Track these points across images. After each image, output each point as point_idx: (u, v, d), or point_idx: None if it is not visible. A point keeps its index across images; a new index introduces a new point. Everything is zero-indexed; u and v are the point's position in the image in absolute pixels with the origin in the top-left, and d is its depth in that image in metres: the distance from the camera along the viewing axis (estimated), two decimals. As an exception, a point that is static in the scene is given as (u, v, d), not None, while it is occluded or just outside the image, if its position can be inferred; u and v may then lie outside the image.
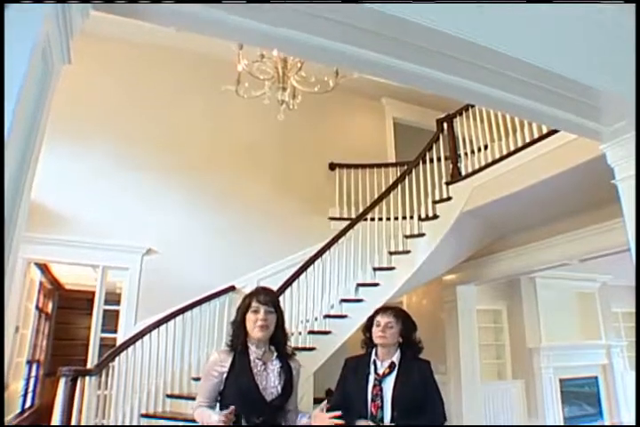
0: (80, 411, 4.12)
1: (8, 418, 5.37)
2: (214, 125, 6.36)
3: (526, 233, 6.13)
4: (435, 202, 5.50)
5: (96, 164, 5.66)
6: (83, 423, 4.15)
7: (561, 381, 8.39)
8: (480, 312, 7.79)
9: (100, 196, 5.62)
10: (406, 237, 5.51)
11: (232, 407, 2.03)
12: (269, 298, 2.29)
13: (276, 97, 4.65)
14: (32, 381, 7.69)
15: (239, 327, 2.26)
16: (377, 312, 2.54)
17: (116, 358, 4.65)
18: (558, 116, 2.58)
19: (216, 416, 2.07)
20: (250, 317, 2.23)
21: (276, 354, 2.29)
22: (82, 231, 5.46)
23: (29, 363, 7.11)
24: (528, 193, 4.70)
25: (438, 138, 5.76)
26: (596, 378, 8.93)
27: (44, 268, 6.70)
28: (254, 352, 2.23)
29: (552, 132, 4.34)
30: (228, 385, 2.17)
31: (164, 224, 5.83)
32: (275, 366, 2.25)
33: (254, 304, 2.24)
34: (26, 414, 7.16)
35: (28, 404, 7.49)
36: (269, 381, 2.19)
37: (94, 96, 5.80)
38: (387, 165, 6.77)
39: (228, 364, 2.19)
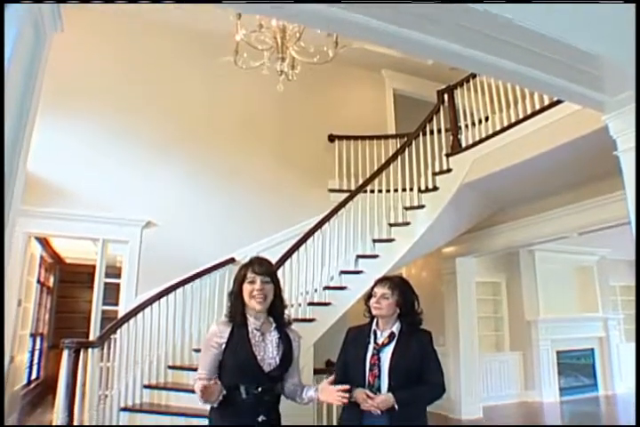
0: (84, 382, 4.17)
1: (15, 388, 5.44)
2: (212, 97, 6.30)
3: (526, 206, 6.13)
4: (435, 174, 5.47)
5: (94, 137, 5.62)
6: (87, 394, 4.20)
7: (558, 353, 8.53)
8: (479, 285, 7.84)
9: (99, 169, 5.60)
10: (406, 208, 5.50)
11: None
12: (265, 268, 2.27)
13: (275, 68, 4.59)
14: (36, 353, 7.81)
15: (236, 298, 2.26)
16: (376, 283, 2.54)
17: (118, 331, 4.69)
18: (562, 86, 2.55)
19: (198, 383, 2.08)
20: (246, 287, 2.22)
21: (274, 325, 2.29)
22: (81, 205, 5.45)
23: (33, 336, 7.19)
24: (529, 165, 4.67)
25: (439, 109, 5.70)
26: (592, 350, 9.08)
27: (44, 242, 6.73)
28: (252, 323, 2.24)
29: (553, 104, 4.30)
30: (227, 356, 2.18)
31: (163, 197, 5.82)
32: (273, 336, 2.25)
33: (250, 275, 2.23)
34: (32, 386, 7.32)
35: (34, 375, 7.62)
36: (267, 351, 2.21)
37: (92, 69, 5.72)
38: (387, 137, 6.72)
39: (226, 335, 2.20)
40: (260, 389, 2.11)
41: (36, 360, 7.79)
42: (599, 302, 9.31)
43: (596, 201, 5.33)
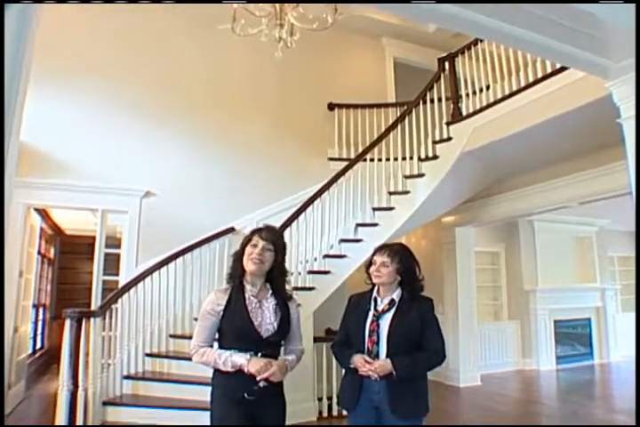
0: (87, 352, 4.22)
1: (21, 357, 5.52)
2: (211, 66, 6.20)
3: (526, 175, 6.12)
4: (435, 142, 5.44)
5: (92, 107, 5.57)
6: (90, 363, 4.25)
7: (555, 322, 8.64)
8: (478, 254, 7.88)
9: (98, 139, 5.56)
10: (406, 177, 5.49)
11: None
12: (271, 236, 2.29)
13: (274, 34, 4.51)
14: (40, 324, 7.89)
15: (238, 260, 2.28)
16: (375, 251, 2.53)
17: (119, 300, 4.73)
18: (567, 52, 2.52)
19: (242, 360, 2.10)
20: (247, 250, 2.25)
21: (270, 292, 2.31)
22: (80, 176, 5.43)
23: (35, 307, 7.25)
24: (529, 134, 4.64)
25: (439, 77, 5.63)
26: (589, 320, 9.20)
27: (43, 213, 6.71)
28: (249, 290, 2.25)
29: (555, 73, 4.24)
30: (224, 323, 2.20)
31: (161, 167, 5.80)
32: (270, 303, 2.27)
33: (255, 238, 2.26)
34: (37, 355, 7.43)
35: (38, 345, 7.73)
36: (265, 317, 2.22)
37: (87, 38, 5.63)
38: (387, 106, 6.65)
39: (224, 302, 2.21)
40: (259, 354, 2.13)
41: (39, 331, 7.88)
42: (597, 272, 9.39)
43: (598, 171, 5.32)
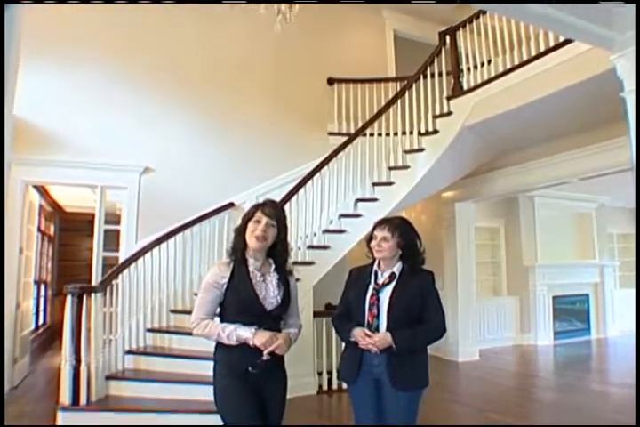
0: (88, 328, 4.25)
1: (24, 333, 5.57)
2: (209, 41, 6.10)
3: (527, 151, 6.09)
4: (435, 117, 5.40)
5: (91, 84, 5.51)
6: (92, 338, 4.28)
7: (554, 298, 8.70)
8: (478, 230, 7.90)
9: (96, 116, 5.52)
10: (406, 152, 5.46)
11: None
12: (274, 211, 2.27)
13: (272, 7, 4.42)
14: (42, 300, 7.94)
15: (240, 235, 2.26)
16: (375, 225, 2.52)
17: (120, 276, 4.73)
18: (572, 23, 2.47)
19: (248, 333, 2.10)
20: (250, 226, 2.23)
21: (273, 266, 2.31)
22: (78, 152, 5.40)
23: (37, 283, 7.29)
24: (530, 109, 4.60)
25: (440, 51, 5.55)
26: (587, 296, 9.26)
27: (42, 190, 6.70)
28: (252, 264, 2.24)
29: (557, 47, 4.18)
30: (229, 296, 2.19)
31: (161, 143, 5.76)
32: (272, 277, 2.27)
33: (258, 214, 2.24)
34: (40, 331, 7.51)
35: (40, 321, 7.80)
36: (269, 291, 2.22)
37: (84, 14, 5.50)
38: (387, 80, 6.55)
39: (227, 275, 2.20)
40: (262, 327, 2.14)
41: (41, 307, 7.94)
42: (596, 249, 9.42)
43: (599, 146, 5.31)
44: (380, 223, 2.49)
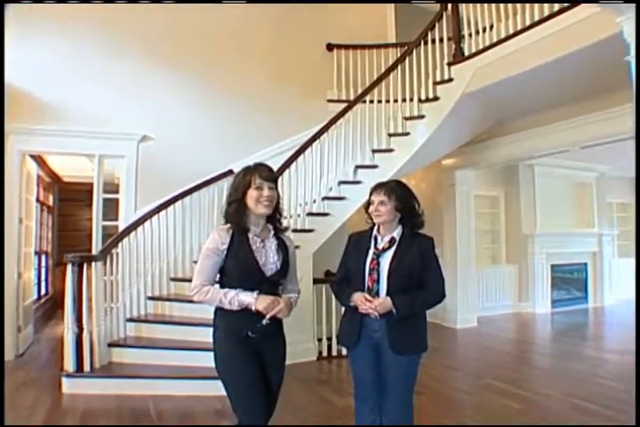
0: (89, 296, 4.28)
1: (27, 303, 5.62)
2: (207, 8, 5.93)
3: (528, 118, 6.03)
4: (435, 83, 5.32)
5: (86, 50, 5.43)
6: (94, 307, 4.32)
7: (552, 266, 8.74)
8: (477, 198, 7.89)
9: (92, 84, 5.45)
10: (406, 119, 5.40)
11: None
12: (271, 175, 2.24)
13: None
14: (43, 271, 7.99)
15: (240, 203, 2.21)
16: (372, 191, 2.49)
17: (119, 245, 4.75)
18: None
19: (250, 298, 2.09)
20: (252, 193, 2.17)
21: (272, 232, 2.29)
22: (74, 120, 5.36)
23: (38, 254, 7.32)
24: (533, 75, 4.51)
25: (441, 17, 5.43)
26: (585, 264, 9.30)
27: (39, 160, 6.65)
28: (252, 230, 2.22)
29: (561, 11, 4.07)
30: (229, 262, 2.17)
31: (159, 110, 5.71)
32: (272, 243, 2.25)
33: (258, 181, 2.18)
34: (42, 301, 7.58)
35: (43, 292, 7.87)
36: (268, 257, 2.21)
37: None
38: (387, 46, 6.46)
39: (227, 241, 2.18)
40: (262, 292, 2.14)
41: (43, 277, 8.00)
42: (595, 218, 9.43)
43: (601, 115, 5.27)
44: (376, 188, 2.46)
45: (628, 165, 8.35)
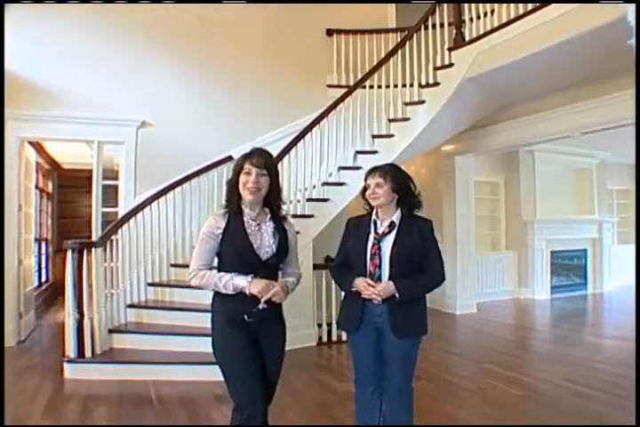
0: (90, 282, 4.29)
1: (28, 289, 5.64)
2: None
3: (529, 104, 6.00)
4: (436, 68, 5.28)
5: (85, 37, 5.38)
6: (94, 293, 4.33)
7: (552, 253, 8.76)
8: (477, 184, 7.88)
9: (91, 70, 5.42)
10: (406, 104, 5.38)
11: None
12: (263, 160, 2.21)
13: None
14: (43, 258, 8.01)
15: (233, 188, 2.22)
16: (367, 174, 2.48)
17: (119, 231, 4.76)
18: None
19: (244, 282, 2.10)
20: (242, 178, 2.18)
21: (269, 216, 2.28)
22: (73, 107, 5.33)
23: (38, 241, 7.33)
24: (534, 60, 4.48)
25: (442, 1, 5.37)
26: (585, 251, 9.32)
27: (38, 147, 6.63)
28: (247, 214, 2.22)
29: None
30: (224, 246, 2.18)
31: (157, 96, 5.67)
32: (268, 226, 2.24)
33: (247, 166, 2.18)
34: (43, 288, 7.61)
35: (43, 278, 7.90)
36: (264, 240, 2.21)
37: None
38: (387, 31, 6.39)
39: (223, 225, 2.18)
40: (258, 276, 2.14)
41: (43, 264, 8.02)
42: (595, 204, 9.43)
43: (602, 100, 5.24)
44: (371, 171, 2.46)
45: (628, 152, 8.32)
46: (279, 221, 2.30)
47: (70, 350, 4.20)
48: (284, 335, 2.31)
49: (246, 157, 2.22)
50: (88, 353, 4.20)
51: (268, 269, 2.21)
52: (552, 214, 8.69)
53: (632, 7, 2.65)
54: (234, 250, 2.16)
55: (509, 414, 3.41)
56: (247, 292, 2.09)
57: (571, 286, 9.09)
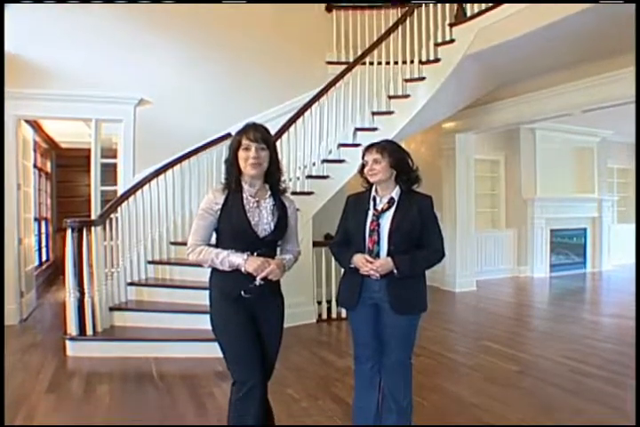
0: (90, 261, 4.29)
1: (28, 268, 5.65)
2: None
3: (530, 81, 5.95)
4: (437, 44, 5.21)
5: (80, 13, 5.29)
6: (94, 272, 4.34)
7: (552, 231, 8.76)
8: (477, 162, 7.85)
9: (87, 46, 5.35)
10: (406, 80, 5.33)
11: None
12: (260, 134, 2.18)
13: None
14: (43, 237, 8.02)
15: (232, 165, 2.19)
16: (364, 151, 2.46)
17: (118, 209, 4.75)
18: None
19: (240, 259, 2.09)
20: (241, 155, 2.15)
21: (269, 192, 2.26)
22: (70, 85, 5.28)
23: (37, 220, 7.33)
24: (536, 36, 4.41)
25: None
26: (584, 230, 9.33)
27: (35, 125, 6.58)
28: (247, 190, 2.20)
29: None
30: (222, 222, 2.17)
31: (155, 74, 5.61)
32: (268, 203, 2.23)
33: (245, 142, 2.15)
34: (44, 267, 7.64)
35: (44, 258, 7.92)
36: (262, 217, 2.19)
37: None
38: (387, 6, 6.29)
39: (221, 201, 2.17)
40: (255, 253, 2.13)
41: (44, 244, 8.04)
42: (596, 183, 9.40)
43: (604, 77, 5.20)
44: (368, 148, 2.44)
45: (630, 130, 8.27)
46: (279, 198, 2.28)
47: (72, 328, 4.23)
48: (282, 311, 2.31)
49: (242, 132, 2.19)
50: (89, 331, 4.24)
51: (266, 246, 2.19)
52: (552, 193, 8.67)
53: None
54: (231, 226, 2.15)
55: (506, 389, 3.44)
56: (243, 270, 2.09)
57: (570, 265, 9.12)
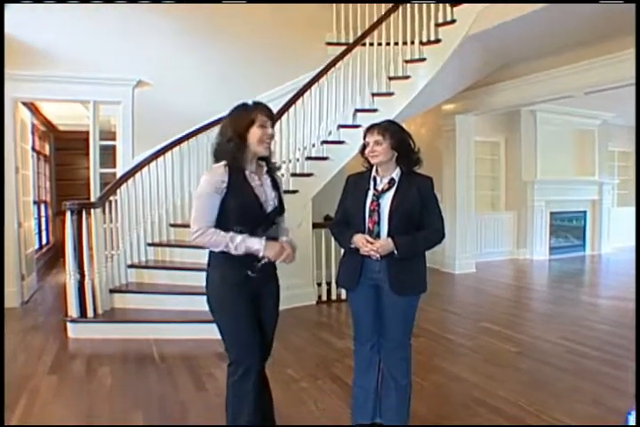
0: (90, 243, 4.29)
1: (28, 251, 5.66)
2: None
3: (532, 62, 5.89)
4: (437, 25, 5.15)
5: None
6: (94, 254, 4.34)
7: (551, 214, 8.76)
8: (478, 144, 7.83)
9: (85, 28, 5.28)
10: (406, 61, 5.28)
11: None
12: (271, 112, 2.16)
13: None
14: (43, 220, 8.02)
15: (241, 142, 2.08)
16: (365, 132, 2.44)
17: (118, 191, 4.74)
18: None
19: (257, 244, 2.05)
20: (256, 131, 2.07)
21: (265, 169, 2.24)
22: (68, 66, 5.22)
23: (37, 204, 7.32)
24: (539, 17, 4.36)
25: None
26: (584, 212, 9.32)
27: (32, 108, 6.52)
28: (248, 168, 2.17)
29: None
30: (230, 200, 2.08)
31: (153, 55, 5.55)
32: (267, 180, 2.21)
33: (262, 118, 2.08)
34: (44, 250, 7.65)
35: (44, 241, 7.93)
36: (267, 194, 2.17)
37: None
38: (388, -14, 6.20)
39: (226, 179, 2.07)
40: (264, 233, 2.11)
41: (43, 227, 8.04)
42: (596, 166, 9.36)
43: (606, 59, 5.15)
44: (370, 129, 2.42)
45: (631, 113, 8.21)
46: (273, 174, 2.27)
47: (72, 310, 4.25)
48: (278, 291, 2.31)
49: (255, 108, 2.11)
50: (90, 313, 4.26)
51: (269, 223, 2.18)
52: (552, 175, 8.65)
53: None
54: (242, 204, 2.08)
55: (505, 370, 3.47)
56: (260, 255, 2.07)
57: (569, 248, 9.14)
